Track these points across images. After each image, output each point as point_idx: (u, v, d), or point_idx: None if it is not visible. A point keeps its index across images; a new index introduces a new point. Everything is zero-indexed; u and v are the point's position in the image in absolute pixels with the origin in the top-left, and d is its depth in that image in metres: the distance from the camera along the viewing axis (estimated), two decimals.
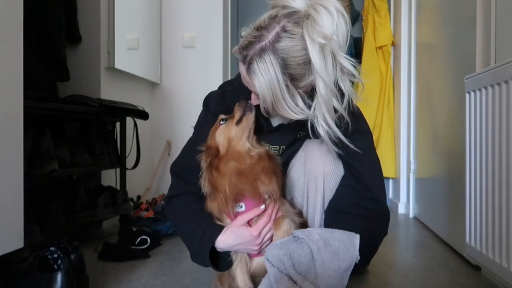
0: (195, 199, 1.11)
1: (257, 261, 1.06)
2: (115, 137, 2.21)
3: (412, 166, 2.69)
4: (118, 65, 2.38)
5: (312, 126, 0.99)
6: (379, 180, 1.13)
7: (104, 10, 2.31)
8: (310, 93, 0.97)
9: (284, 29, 0.89)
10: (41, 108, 1.57)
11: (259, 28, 0.91)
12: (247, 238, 1.01)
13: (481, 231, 1.32)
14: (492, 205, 1.24)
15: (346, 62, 0.91)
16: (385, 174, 3.04)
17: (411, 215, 2.68)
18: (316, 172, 1.11)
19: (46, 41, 1.93)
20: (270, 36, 0.90)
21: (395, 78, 3.05)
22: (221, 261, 1.09)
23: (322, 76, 0.90)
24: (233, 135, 1.03)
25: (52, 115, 1.77)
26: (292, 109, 0.95)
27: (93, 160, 1.95)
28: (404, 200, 2.85)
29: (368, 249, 1.07)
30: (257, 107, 1.06)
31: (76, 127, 1.91)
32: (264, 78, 0.91)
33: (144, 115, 2.27)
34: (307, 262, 0.96)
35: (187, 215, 1.11)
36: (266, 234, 1.02)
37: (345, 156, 1.10)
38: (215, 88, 1.26)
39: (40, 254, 1.22)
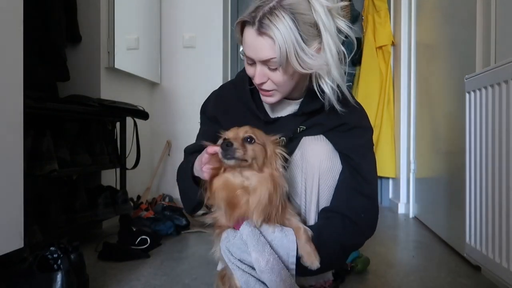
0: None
1: None
2: (115, 137, 2.21)
3: (412, 166, 2.69)
4: (118, 65, 2.38)
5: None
6: (375, 176, 1.15)
7: (104, 10, 2.31)
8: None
9: None
10: (41, 108, 1.57)
11: None
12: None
13: (481, 231, 1.32)
14: (492, 205, 1.24)
15: (343, 24, 1.00)
16: (385, 174, 3.04)
17: (411, 215, 2.68)
18: (313, 170, 1.11)
19: (46, 41, 1.93)
20: None
21: (395, 78, 3.05)
22: None
23: (331, 34, 0.98)
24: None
25: (52, 115, 1.77)
26: (305, 63, 0.99)
27: (93, 160, 1.95)
28: (404, 200, 2.85)
29: (349, 243, 1.09)
30: (256, 92, 1.11)
31: (76, 127, 1.91)
32: (280, 30, 0.95)
33: (144, 115, 2.27)
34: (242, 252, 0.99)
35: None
36: None
37: (344, 148, 1.12)
38: (215, 88, 1.27)
39: (40, 254, 1.22)
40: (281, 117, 1.17)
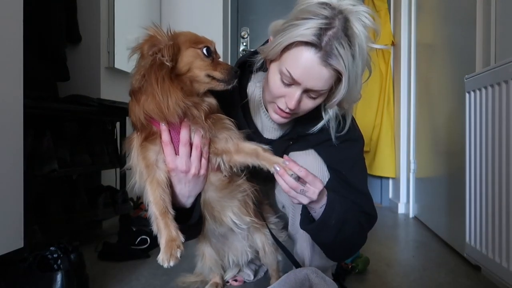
0: None
1: None
2: (115, 137, 2.21)
3: (412, 166, 2.69)
4: (118, 65, 2.37)
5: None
6: (365, 187, 1.12)
7: (104, 10, 2.31)
8: None
9: (347, 19, 0.88)
10: (41, 108, 1.57)
11: (325, 17, 0.87)
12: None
13: (481, 231, 1.32)
14: (492, 205, 1.24)
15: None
16: (385, 174, 3.04)
17: (411, 215, 2.68)
18: None
19: (46, 41, 1.93)
20: (338, 23, 0.87)
21: (395, 78, 3.05)
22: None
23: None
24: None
25: (52, 115, 1.77)
26: (352, 97, 0.96)
27: (93, 160, 1.95)
28: (404, 200, 2.85)
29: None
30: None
31: (76, 127, 1.90)
32: (349, 66, 0.88)
33: None
34: None
35: None
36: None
37: (332, 162, 1.09)
38: None
39: (40, 254, 1.22)
40: (273, 140, 1.12)
